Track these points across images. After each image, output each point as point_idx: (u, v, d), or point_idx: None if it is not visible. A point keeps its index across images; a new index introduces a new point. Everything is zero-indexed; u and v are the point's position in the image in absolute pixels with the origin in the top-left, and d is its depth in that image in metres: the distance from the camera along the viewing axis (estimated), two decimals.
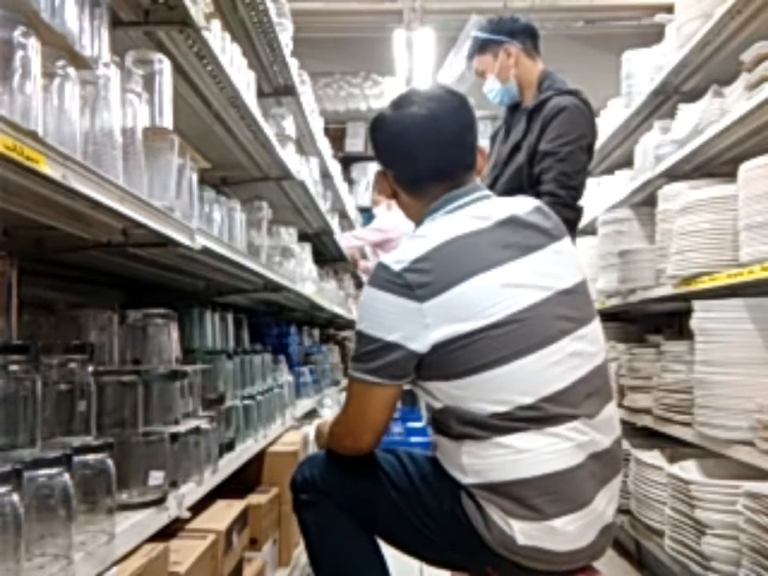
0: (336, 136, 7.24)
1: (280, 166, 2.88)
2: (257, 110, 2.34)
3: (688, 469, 2.52)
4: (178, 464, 1.56)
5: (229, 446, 2.06)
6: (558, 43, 4.97)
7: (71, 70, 1.15)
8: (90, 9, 1.36)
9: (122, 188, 1.23)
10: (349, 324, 5.99)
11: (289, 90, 3.21)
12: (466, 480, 1.44)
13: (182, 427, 1.61)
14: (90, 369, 1.31)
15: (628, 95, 3.54)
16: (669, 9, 3.30)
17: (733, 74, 2.58)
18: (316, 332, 5.11)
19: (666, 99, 3.23)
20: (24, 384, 1.10)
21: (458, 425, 1.43)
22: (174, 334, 1.83)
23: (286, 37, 2.97)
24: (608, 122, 3.75)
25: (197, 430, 1.68)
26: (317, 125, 4.04)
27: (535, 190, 2.37)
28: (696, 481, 2.33)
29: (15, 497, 0.93)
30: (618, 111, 3.67)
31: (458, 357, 1.41)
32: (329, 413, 3.89)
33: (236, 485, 2.20)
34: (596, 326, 1.53)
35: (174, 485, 1.53)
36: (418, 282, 1.42)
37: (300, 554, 2.67)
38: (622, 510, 2.91)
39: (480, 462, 1.42)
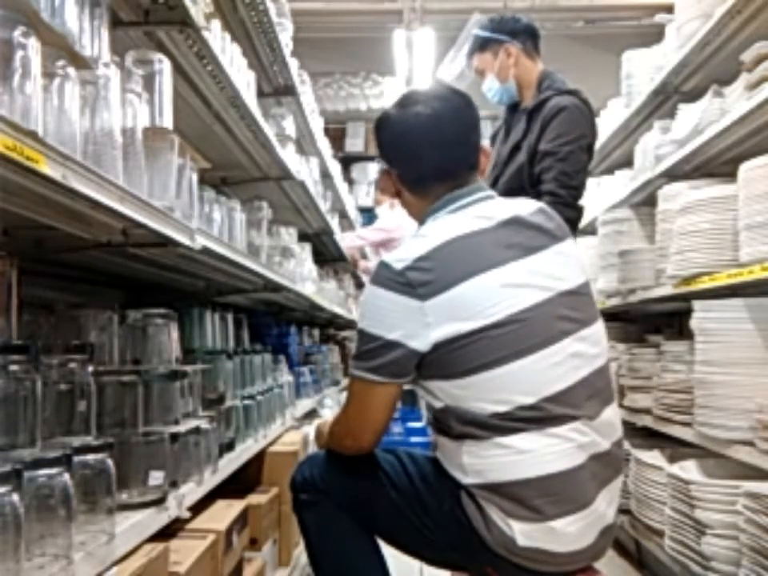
0: (336, 136, 7.24)
1: (280, 166, 2.88)
2: (257, 110, 2.34)
3: (688, 469, 2.51)
4: (177, 464, 1.56)
5: (229, 446, 2.06)
6: (558, 43, 4.97)
7: (71, 70, 1.15)
8: (89, 9, 1.36)
9: (122, 188, 1.23)
10: (349, 324, 5.99)
11: (289, 90, 3.21)
12: (466, 480, 1.44)
13: (182, 427, 1.61)
14: (90, 369, 1.31)
15: (628, 95, 3.54)
16: (669, 9, 3.30)
17: (733, 73, 2.58)
18: (316, 332, 5.11)
19: (665, 99, 3.23)
20: (24, 384, 1.10)
21: (458, 424, 1.43)
22: (174, 333, 1.83)
23: (285, 37, 2.97)
24: (608, 122, 3.74)
25: (197, 430, 1.68)
26: (317, 125, 4.04)
27: (536, 190, 2.38)
28: (696, 481, 2.33)
29: (15, 497, 0.93)
30: (618, 111, 3.67)
31: (458, 356, 1.41)
32: (329, 413, 3.89)
33: (236, 485, 2.20)
34: (599, 328, 1.52)
35: (174, 485, 1.53)
36: (419, 281, 1.42)
37: (300, 554, 2.67)
38: (622, 510, 2.91)
39: (480, 462, 1.42)
